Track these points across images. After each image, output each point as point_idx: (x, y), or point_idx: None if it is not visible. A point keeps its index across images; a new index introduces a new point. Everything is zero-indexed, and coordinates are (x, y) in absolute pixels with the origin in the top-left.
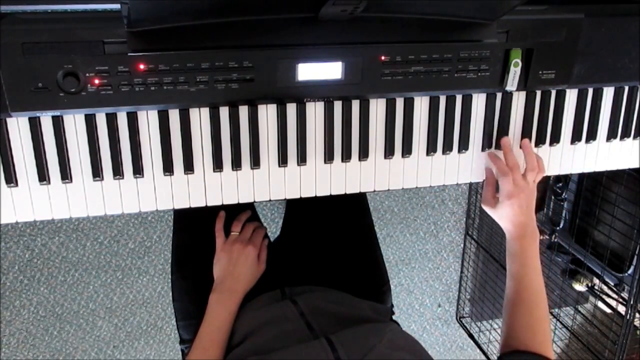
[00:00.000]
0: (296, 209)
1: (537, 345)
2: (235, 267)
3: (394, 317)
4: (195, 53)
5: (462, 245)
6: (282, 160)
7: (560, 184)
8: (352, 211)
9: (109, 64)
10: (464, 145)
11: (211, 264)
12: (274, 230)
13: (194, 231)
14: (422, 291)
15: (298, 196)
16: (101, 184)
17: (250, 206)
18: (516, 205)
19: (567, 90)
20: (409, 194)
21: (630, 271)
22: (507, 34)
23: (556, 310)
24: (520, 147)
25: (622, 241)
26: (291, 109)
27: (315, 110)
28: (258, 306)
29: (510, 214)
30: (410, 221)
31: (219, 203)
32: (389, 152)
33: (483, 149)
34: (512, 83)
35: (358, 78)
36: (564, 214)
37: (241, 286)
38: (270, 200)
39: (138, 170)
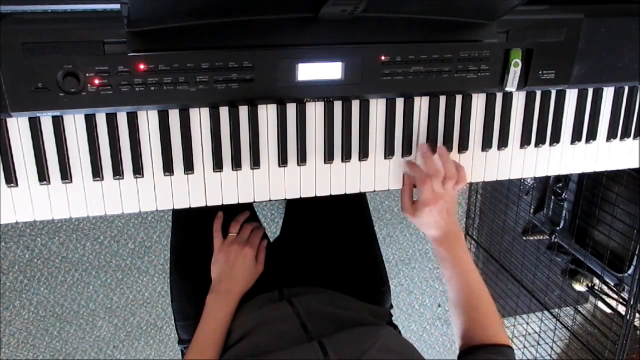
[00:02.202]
0: (296, 209)
1: (491, 337)
2: (233, 268)
3: (394, 318)
4: (195, 53)
5: None
6: (282, 161)
7: (561, 184)
8: (352, 211)
9: (109, 64)
10: (463, 146)
11: (210, 265)
12: (274, 230)
13: (193, 232)
14: (422, 291)
15: (298, 196)
16: (101, 184)
17: (249, 207)
18: (435, 212)
19: (568, 91)
20: None
21: (630, 271)
22: (507, 34)
23: (556, 310)
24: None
25: (622, 241)
26: (291, 109)
27: (315, 111)
28: (256, 307)
29: (431, 221)
30: (410, 221)
31: (219, 203)
32: (389, 152)
33: (483, 149)
34: (512, 83)
35: (358, 78)
36: (564, 214)
37: (238, 287)
38: (270, 201)
39: (138, 170)
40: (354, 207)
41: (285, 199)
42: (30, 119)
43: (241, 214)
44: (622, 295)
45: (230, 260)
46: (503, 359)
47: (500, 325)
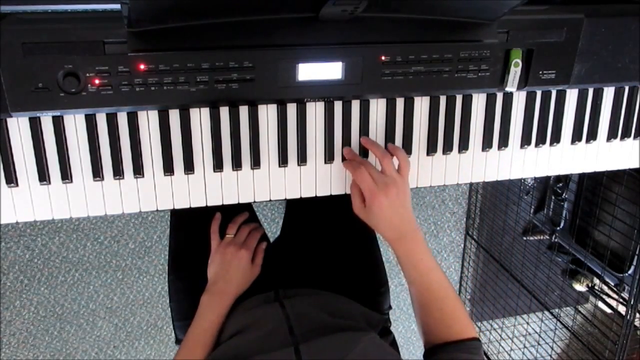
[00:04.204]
0: (296, 209)
1: (457, 333)
2: (228, 270)
3: (394, 318)
4: (195, 53)
5: (462, 245)
6: (283, 160)
7: (561, 184)
8: (351, 211)
9: (110, 64)
10: (464, 145)
11: (207, 265)
12: (274, 230)
13: (191, 232)
14: None
15: (298, 196)
16: (101, 184)
17: (248, 207)
18: (386, 206)
19: (568, 91)
20: None
21: (630, 271)
22: (507, 34)
23: (556, 310)
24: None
25: (622, 241)
26: (291, 109)
27: (315, 110)
28: (250, 306)
29: (384, 217)
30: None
31: (219, 203)
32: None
33: (483, 149)
34: (512, 83)
35: (358, 78)
36: (564, 214)
37: (233, 289)
38: (270, 201)
39: (138, 170)
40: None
41: (285, 199)
42: (30, 119)
43: (239, 215)
44: (622, 295)
45: (226, 261)
46: (468, 356)
47: (466, 319)
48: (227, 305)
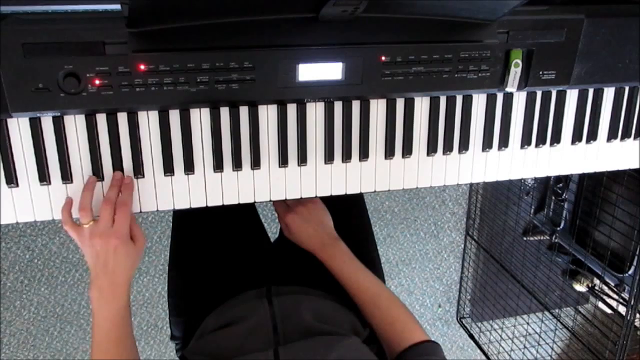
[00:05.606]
0: None
1: (408, 338)
2: (106, 262)
3: None
4: (195, 53)
5: (462, 245)
6: (283, 161)
7: (561, 185)
8: (348, 212)
9: (110, 64)
10: (464, 146)
11: (205, 264)
12: (274, 230)
13: (193, 230)
14: (423, 291)
15: (299, 196)
16: (101, 184)
17: (251, 208)
18: (298, 221)
19: (568, 91)
20: (410, 194)
21: (630, 271)
22: (507, 34)
23: (556, 310)
24: None
25: (622, 241)
26: (291, 109)
27: (315, 111)
28: (240, 301)
29: (300, 231)
30: (410, 222)
31: (219, 203)
32: (389, 152)
33: (484, 150)
34: (512, 83)
35: (358, 78)
36: (564, 215)
37: (121, 278)
38: (270, 201)
39: (138, 170)
40: (350, 208)
41: (285, 200)
42: (31, 119)
43: (85, 189)
44: (622, 295)
45: (100, 256)
46: (427, 358)
47: (412, 322)
48: (123, 293)
